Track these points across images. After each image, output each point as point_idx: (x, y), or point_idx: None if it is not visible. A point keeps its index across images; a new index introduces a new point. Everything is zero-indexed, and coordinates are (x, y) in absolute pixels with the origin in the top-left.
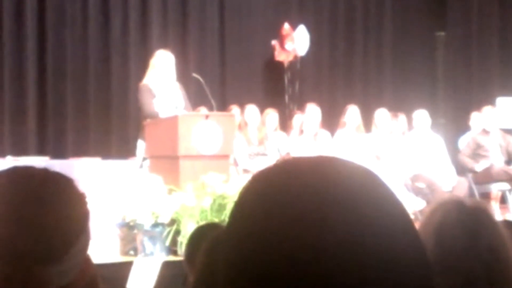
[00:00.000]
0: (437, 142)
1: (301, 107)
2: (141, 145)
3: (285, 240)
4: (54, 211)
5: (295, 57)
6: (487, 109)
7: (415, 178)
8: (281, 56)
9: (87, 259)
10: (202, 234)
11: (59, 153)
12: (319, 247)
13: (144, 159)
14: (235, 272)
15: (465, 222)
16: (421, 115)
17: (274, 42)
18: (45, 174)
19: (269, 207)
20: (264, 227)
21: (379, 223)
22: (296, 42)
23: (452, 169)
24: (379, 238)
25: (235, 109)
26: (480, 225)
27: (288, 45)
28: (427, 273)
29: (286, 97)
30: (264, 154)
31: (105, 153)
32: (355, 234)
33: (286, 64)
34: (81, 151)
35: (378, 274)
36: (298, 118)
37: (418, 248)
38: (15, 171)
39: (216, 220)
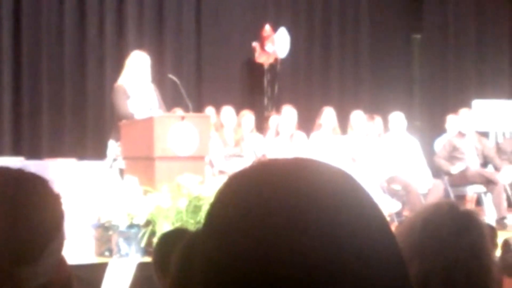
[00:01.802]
0: (413, 144)
1: (278, 108)
2: (112, 145)
3: (261, 241)
4: (29, 212)
5: (276, 59)
6: (463, 111)
7: (391, 180)
8: (261, 58)
9: (62, 260)
10: (170, 240)
11: (34, 154)
12: (295, 248)
13: (114, 159)
14: (211, 274)
15: (454, 219)
16: (397, 118)
17: (254, 44)
18: (20, 175)
19: (245, 208)
20: (240, 229)
21: (354, 224)
22: (277, 44)
23: (428, 172)
24: (355, 239)
25: (210, 110)
26: (468, 225)
27: (269, 47)
28: (403, 273)
29: (265, 99)
30: (240, 156)
31: (81, 154)
32: (330, 235)
33: (266, 66)
34: (56, 151)
35: (354, 275)
36: (274, 120)
37: (393, 249)
38: None
39: (191, 221)
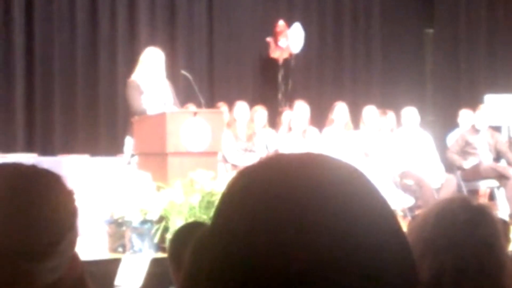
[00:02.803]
0: (425, 139)
1: (291, 104)
2: (129, 141)
3: (267, 238)
4: (42, 208)
5: (290, 54)
6: (480, 107)
7: (403, 175)
8: (275, 53)
9: (75, 256)
10: (186, 233)
11: (47, 150)
12: (301, 245)
13: (132, 155)
14: (218, 268)
15: (468, 213)
16: (410, 112)
17: (268, 39)
18: (34, 171)
19: (254, 204)
20: (249, 224)
21: (364, 220)
22: (290, 39)
23: (441, 166)
24: (364, 236)
25: (223, 106)
26: (481, 219)
27: (282, 42)
28: (412, 269)
29: (279, 94)
30: (252, 151)
31: (93, 150)
32: (339, 233)
33: (280, 61)
34: (69, 148)
35: (362, 272)
36: (286, 115)
37: (403, 247)
38: (3, 168)
39: (204, 217)
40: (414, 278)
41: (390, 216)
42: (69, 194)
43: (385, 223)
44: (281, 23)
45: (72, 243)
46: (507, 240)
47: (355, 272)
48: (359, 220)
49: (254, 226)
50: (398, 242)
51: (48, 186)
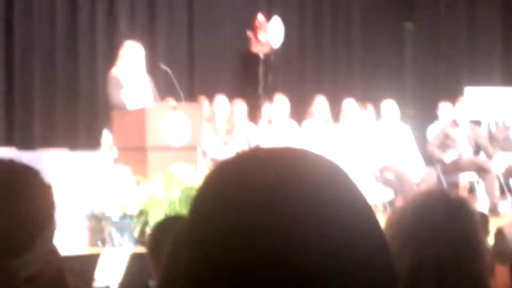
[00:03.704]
0: (405, 132)
1: (271, 98)
2: (106, 135)
3: (245, 230)
4: (19, 203)
5: (271, 48)
6: (459, 100)
7: (383, 169)
8: (256, 48)
9: (53, 250)
10: (165, 227)
11: (26, 144)
12: (279, 237)
13: (111, 149)
14: (193, 261)
15: (445, 207)
16: (389, 105)
17: (249, 33)
18: (11, 166)
19: (231, 196)
20: (225, 217)
21: (341, 216)
22: (270, 33)
23: (421, 160)
24: (341, 232)
25: (204, 100)
26: (459, 212)
27: (262, 36)
28: (389, 266)
29: (260, 88)
30: (231, 144)
31: (73, 143)
32: (316, 226)
33: (261, 55)
34: (48, 141)
35: (340, 267)
36: (266, 109)
37: (380, 241)
38: None
39: (184, 211)
40: (392, 274)
41: (367, 212)
42: (47, 189)
43: (362, 219)
44: (260, 17)
45: (50, 237)
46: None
47: (332, 269)
48: (336, 215)
49: (229, 220)
50: (376, 238)
51: (26, 181)
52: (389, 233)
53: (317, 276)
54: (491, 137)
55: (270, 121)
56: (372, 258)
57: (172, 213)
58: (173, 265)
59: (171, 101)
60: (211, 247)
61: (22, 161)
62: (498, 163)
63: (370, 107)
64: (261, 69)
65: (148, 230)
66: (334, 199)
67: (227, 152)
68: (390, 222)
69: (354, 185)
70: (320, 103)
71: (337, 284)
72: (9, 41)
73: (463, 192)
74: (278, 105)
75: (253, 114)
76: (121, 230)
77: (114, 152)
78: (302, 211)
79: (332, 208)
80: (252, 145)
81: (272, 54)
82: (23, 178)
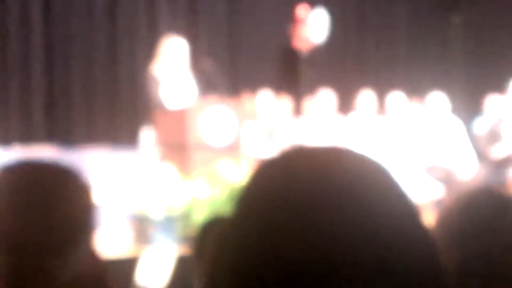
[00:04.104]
0: (455, 126)
1: (314, 93)
2: (146, 134)
3: (290, 231)
4: (60, 205)
5: (312, 43)
6: (506, 93)
7: (432, 168)
8: (298, 43)
9: (95, 253)
10: (210, 228)
11: (67, 141)
12: (324, 239)
13: (153, 148)
14: (238, 261)
15: (492, 204)
16: (438, 98)
17: (289, 28)
18: (53, 168)
19: (275, 197)
20: (269, 218)
21: (386, 217)
22: (310, 28)
23: (472, 156)
24: (387, 232)
25: (247, 96)
26: (506, 210)
27: (302, 32)
28: (437, 268)
29: (302, 84)
30: (275, 141)
31: (114, 140)
32: (362, 230)
33: (303, 49)
34: (90, 139)
35: (386, 269)
36: (310, 104)
37: (426, 243)
38: (24, 165)
39: (228, 210)
40: (438, 276)
41: (412, 213)
42: (86, 191)
43: (407, 221)
44: (301, 9)
45: (90, 239)
46: None
47: (377, 270)
48: (381, 217)
49: (274, 220)
50: (421, 239)
51: (66, 183)
52: (437, 232)
53: (363, 277)
54: None
55: (313, 117)
56: (418, 259)
57: (217, 213)
58: (217, 268)
59: (213, 98)
60: (256, 248)
61: (63, 162)
62: None
63: (416, 101)
64: (303, 67)
65: (191, 231)
66: (379, 200)
67: (271, 149)
68: (437, 221)
69: (399, 186)
70: (365, 97)
71: (383, 285)
72: (48, 36)
73: None
74: (322, 99)
75: (297, 109)
76: (164, 230)
77: (156, 151)
78: (347, 212)
79: (377, 210)
80: (296, 141)
81: (315, 51)
82: (63, 180)
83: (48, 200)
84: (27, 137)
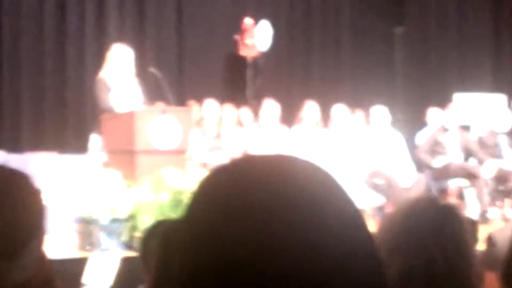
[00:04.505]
0: (396, 138)
1: (260, 102)
2: (94, 139)
3: (238, 236)
4: (9, 209)
5: (258, 52)
6: (449, 106)
7: (373, 174)
8: (244, 51)
9: (43, 256)
10: (155, 231)
11: (14, 147)
12: (271, 245)
13: (100, 153)
14: (187, 265)
15: (434, 214)
16: (380, 111)
17: (236, 37)
18: (1, 172)
19: (225, 203)
20: (219, 223)
21: (332, 225)
22: (256, 37)
23: (412, 166)
24: (331, 238)
25: (194, 105)
26: (447, 219)
27: (248, 40)
28: (379, 273)
29: (247, 92)
30: (220, 149)
31: (61, 147)
32: (307, 235)
33: (249, 59)
34: (37, 145)
35: (329, 273)
36: (255, 113)
37: (370, 249)
38: None
39: (173, 215)
40: (380, 281)
41: (357, 219)
42: (36, 194)
43: (352, 226)
44: (247, 20)
45: (40, 242)
46: (475, 240)
47: (319, 276)
48: (325, 223)
49: (223, 225)
50: (365, 245)
51: (16, 186)
52: (379, 238)
53: (304, 283)
54: (481, 143)
55: (259, 126)
56: (360, 264)
57: (161, 217)
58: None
59: (160, 105)
60: (204, 254)
61: (11, 166)
62: (488, 169)
63: (359, 112)
64: (248, 73)
65: (137, 234)
66: (324, 206)
67: (216, 156)
68: (380, 230)
69: (344, 192)
70: (310, 108)
71: None
72: None
73: (452, 198)
74: (267, 109)
75: (242, 118)
76: (110, 234)
77: (103, 156)
78: (294, 220)
79: (322, 215)
80: (241, 150)
81: (260, 58)
82: (13, 183)
83: (0, 202)
84: None
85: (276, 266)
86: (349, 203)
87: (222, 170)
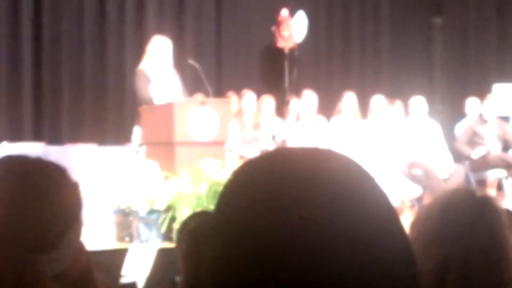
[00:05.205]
0: (434, 129)
1: (298, 93)
2: (137, 131)
3: (266, 230)
4: (47, 201)
5: (295, 43)
6: (488, 97)
7: (411, 165)
8: (281, 43)
9: (81, 247)
10: (193, 222)
11: (54, 139)
12: (302, 240)
13: (140, 145)
14: (219, 261)
15: (471, 205)
16: (418, 102)
17: (273, 29)
18: (39, 164)
19: (257, 195)
20: (250, 215)
21: (364, 217)
22: (293, 28)
23: (449, 156)
24: (363, 233)
25: (233, 96)
26: (485, 210)
27: (285, 32)
28: (411, 268)
29: (286, 83)
30: (258, 140)
31: (101, 138)
32: (340, 230)
33: (286, 50)
34: (77, 136)
35: (362, 268)
36: (294, 104)
37: (401, 242)
38: (9, 161)
39: (211, 206)
40: (413, 277)
41: (390, 215)
42: (74, 187)
43: (385, 222)
44: (283, 12)
45: (77, 235)
46: None
47: (354, 270)
48: (359, 218)
49: (254, 217)
50: (397, 240)
51: (53, 179)
52: (416, 232)
53: (341, 277)
54: None
55: (298, 117)
56: (393, 260)
57: (200, 209)
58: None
59: (199, 96)
60: (235, 246)
61: (50, 158)
62: None
63: (398, 103)
64: (286, 65)
65: (175, 226)
66: (359, 203)
67: (254, 148)
68: (417, 221)
69: (378, 187)
70: (349, 99)
71: (358, 286)
72: (37, 35)
73: (491, 189)
74: (306, 100)
75: (281, 109)
76: (148, 225)
77: (143, 148)
78: (327, 214)
79: (356, 212)
80: (280, 141)
81: (297, 49)
82: (50, 176)
83: (37, 195)
84: (15, 135)
85: (307, 262)
86: (383, 198)
87: (254, 162)
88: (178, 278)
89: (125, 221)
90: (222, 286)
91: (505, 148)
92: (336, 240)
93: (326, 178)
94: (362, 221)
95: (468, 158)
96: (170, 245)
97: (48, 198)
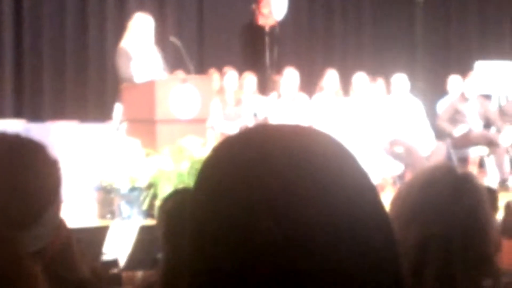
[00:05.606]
0: (416, 106)
1: (280, 71)
2: (118, 108)
3: (248, 205)
4: (26, 178)
5: (276, 21)
6: (469, 74)
7: (393, 142)
8: (261, 20)
9: (61, 224)
10: (174, 200)
11: (35, 116)
12: (282, 214)
13: (122, 122)
14: (197, 231)
15: (452, 182)
16: (400, 79)
17: (253, 6)
18: (17, 141)
19: (236, 171)
20: (228, 190)
21: (344, 196)
22: (273, 6)
23: (431, 134)
24: (344, 211)
25: (214, 73)
26: (466, 188)
27: (265, 10)
28: (391, 247)
29: (267, 61)
30: (240, 117)
31: (82, 116)
32: (317, 205)
33: (266, 28)
34: (58, 114)
35: (340, 245)
36: (276, 81)
37: (381, 221)
38: None
39: (193, 184)
40: (393, 255)
41: (370, 193)
42: (53, 164)
43: (365, 200)
44: None
45: (57, 212)
46: (494, 209)
47: (334, 249)
48: (339, 197)
49: (232, 192)
50: (377, 219)
51: (32, 156)
52: (396, 209)
53: (320, 251)
54: (501, 111)
55: (280, 95)
56: (372, 237)
57: (181, 186)
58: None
59: (180, 74)
60: (214, 223)
61: (31, 136)
62: (508, 137)
63: (380, 81)
64: (266, 42)
65: (157, 203)
66: (338, 179)
67: (236, 124)
68: (397, 198)
69: (358, 164)
70: (330, 77)
71: (337, 263)
72: (18, 12)
73: (473, 166)
74: (288, 78)
75: (263, 87)
76: (130, 202)
77: (124, 125)
78: (305, 188)
79: (336, 189)
80: (261, 118)
81: (277, 27)
82: (29, 153)
83: (15, 172)
84: None
85: (287, 236)
86: (364, 177)
87: (233, 138)
88: (160, 256)
89: (107, 199)
90: (202, 265)
91: (487, 125)
92: (315, 216)
93: (306, 154)
94: (340, 197)
95: (449, 135)
96: (152, 222)
97: (26, 175)
